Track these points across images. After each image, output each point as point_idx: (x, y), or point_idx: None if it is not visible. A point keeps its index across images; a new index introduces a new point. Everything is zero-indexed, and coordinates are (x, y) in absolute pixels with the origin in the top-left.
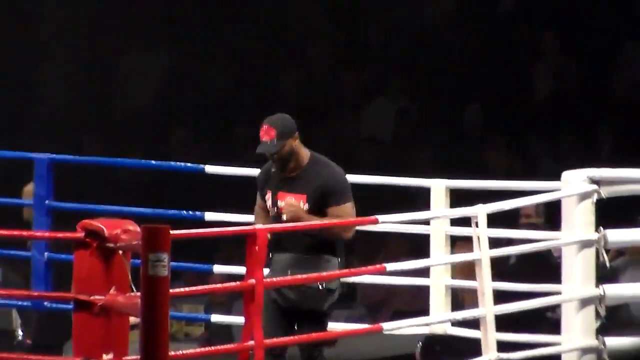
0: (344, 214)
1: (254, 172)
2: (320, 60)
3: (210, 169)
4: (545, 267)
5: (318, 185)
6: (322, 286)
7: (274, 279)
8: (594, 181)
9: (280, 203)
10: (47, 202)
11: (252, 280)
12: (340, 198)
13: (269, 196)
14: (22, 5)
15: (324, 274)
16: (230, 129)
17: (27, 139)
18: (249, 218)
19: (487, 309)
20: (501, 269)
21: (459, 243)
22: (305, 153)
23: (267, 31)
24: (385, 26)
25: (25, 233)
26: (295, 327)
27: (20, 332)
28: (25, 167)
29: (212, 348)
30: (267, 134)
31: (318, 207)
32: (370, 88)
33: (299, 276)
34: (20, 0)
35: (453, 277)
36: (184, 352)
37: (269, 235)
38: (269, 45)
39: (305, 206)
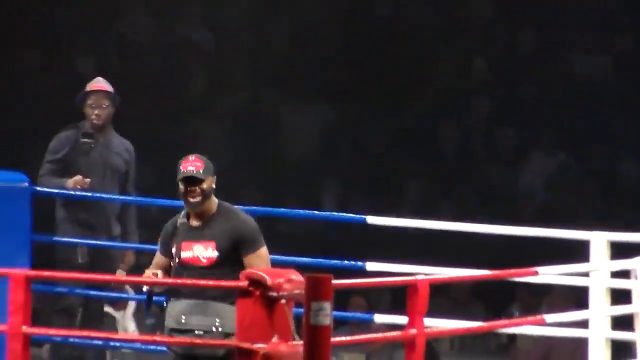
0: (261, 259)
1: (414, 223)
2: (480, 113)
3: (371, 219)
4: None
5: (228, 232)
6: (217, 330)
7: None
8: None
9: (185, 254)
10: None
11: (414, 330)
12: (255, 244)
13: (175, 250)
14: (174, 61)
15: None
16: (390, 180)
17: None
18: (410, 268)
19: None
20: None
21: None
22: (214, 202)
23: (425, 83)
24: (541, 81)
25: (189, 282)
26: None
27: None
28: None
29: None
30: (193, 164)
31: (229, 255)
32: (526, 142)
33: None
34: (173, 57)
35: None
36: None
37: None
38: (428, 96)
39: (214, 253)
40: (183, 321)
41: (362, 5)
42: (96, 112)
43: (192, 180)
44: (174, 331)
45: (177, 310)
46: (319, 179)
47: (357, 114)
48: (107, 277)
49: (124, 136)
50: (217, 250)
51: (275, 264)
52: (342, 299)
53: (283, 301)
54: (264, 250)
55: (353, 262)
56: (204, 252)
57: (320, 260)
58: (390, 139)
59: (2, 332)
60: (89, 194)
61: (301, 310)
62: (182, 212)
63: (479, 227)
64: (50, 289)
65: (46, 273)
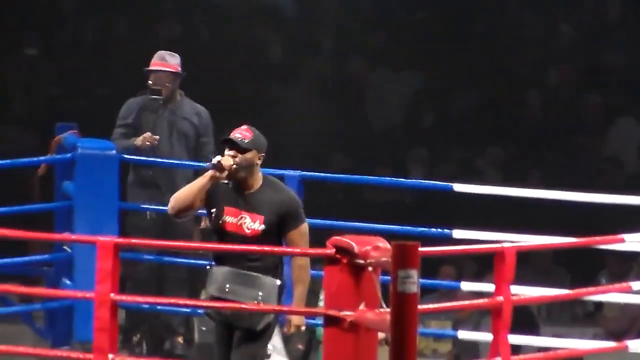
0: (302, 237)
1: (502, 190)
2: (565, 83)
3: (458, 187)
4: None
5: (277, 206)
6: (259, 304)
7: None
8: None
9: (229, 219)
10: None
11: (500, 298)
12: (298, 220)
13: (216, 210)
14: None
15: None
16: (475, 150)
17: (276, 156)
18: (497, 236)
19: None
20: None
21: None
22: (260, 175)
23: (509, 53)
24: (629, 49)
25: (276, 249)
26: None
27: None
28: None
29: None
30: (242, 132)
31: (273, 229)
32: (614, 109)
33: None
34: (258, 26)
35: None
36: None
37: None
38: (514, 67)
39: (261, 227)
40: (227, 290)
41: None
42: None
43: (234, 147)
44: (216, 299)
45: (221, 278)
46: (406, 147)
47: (443, 82)
48: (192, 244)
49: (206, 102)
50: (264, 224)
51: (362, 231)
52: (431, 268)
53: (370, 269)
54: (305, 226)
55: (440, 230)
56: (250, 223)
57: (407, 228)
58: (477, 107)
59: (90, 298)
60: (158, 159)
61: (388, 278)
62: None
63: (565, 194)
64: (135, 256)
65: (134, 241)
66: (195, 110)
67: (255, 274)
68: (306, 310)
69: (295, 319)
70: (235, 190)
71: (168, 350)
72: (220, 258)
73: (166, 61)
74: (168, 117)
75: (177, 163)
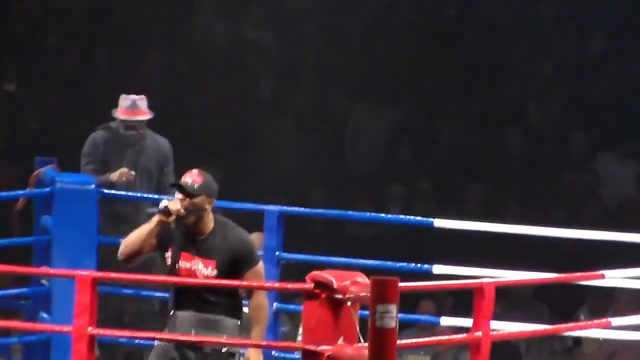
0: (259, 277)
1: (482, 226)
2: (545, 119)
3: (439, 222)
4: None
5: (229, 250)
6: (224, 349)
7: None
8: None
9: (184, 264)
10: (277, 253)
11: (479, 333)
12: (253, 261)
13: (169, 254)
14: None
15: (224, 337)
16: (455, 183)
17: (254, 192)
18: (477, 272)
19: None
20: None
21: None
22: (210, 219)
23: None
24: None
25: (255, 284)
26: None
27: None
28: (251, 218)
29: None
30: (193, 177)
31: (226, 273)
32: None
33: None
34: (240, 60)
35: None
36: None
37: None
38: (491, 104)
39: (213, 272)
40: (193, 334)
41: (431, 5)
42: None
43: (183, 191)
44: (181, 347)
45: (187, 322)
46: (385, 181)
47: (423, 116)
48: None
49: (190, 136)
50: (217, 269)
51: (341, 266)
52: (411, 302)
53: (349, 303)
54: (260, 266)
55: (420, 265)
56: (203, 269)
57: (387, 263)
58: (457, 139)
59: (68, 332)
60: (136, 194)
61: (366, 312)
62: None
63: (545, 230)
64: (114, 290)
65: (113, 275)
66: (157, 143)
67: (218, 317)
68: (284, 345)
69: (253, 356)
70: (186, 235)
71: None
72: (180, 301)
73: (138, 108)
74: (131, 154)
75: (158, 197)
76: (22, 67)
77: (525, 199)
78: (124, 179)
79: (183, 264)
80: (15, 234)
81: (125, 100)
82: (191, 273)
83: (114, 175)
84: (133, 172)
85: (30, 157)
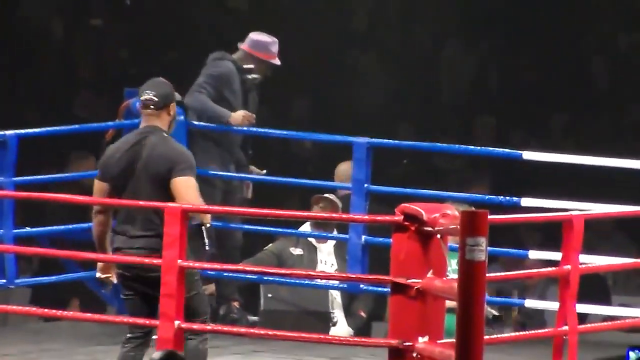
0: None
1: (571, 159)
2: (629, 46)
3: (527, 155)
4: None
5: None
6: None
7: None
8: None
9: None
10: (365, 185)
11: (568, 266)
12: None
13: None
14: None
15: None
16: (543, 116)
17: (345, 124)
18: (565, 204)
19: None
20: None
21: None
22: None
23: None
24: None
25: (344, 217)
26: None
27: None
28: (340, 150)
29: (526, 332)
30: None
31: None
32: None
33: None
34: None
35: None
36: (499, 336)
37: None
38: (578, 33)
39: None
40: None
41: None
42: None
43: None
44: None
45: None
46: (474, 114)
47: (511, 49)
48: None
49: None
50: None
51: (432, 199)
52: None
53: (438, 236)
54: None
55: (508, 198)
56: None
57: (475, 195)
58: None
59: (158, 264)
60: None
61: (455, 245)
62: None
63: (633, 162)
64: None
65: (202, 207)
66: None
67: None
68: (373, 278)
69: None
70: None
71: (223, 315)
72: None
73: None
74: (251, 100)
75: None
76: (106, 2)
77: (613, 131)
78: (246, 122)
79: None
80: None
81: (274, 44)
82: None
83: (237, 118)
84: (254, 116)
85: (119, 88)
